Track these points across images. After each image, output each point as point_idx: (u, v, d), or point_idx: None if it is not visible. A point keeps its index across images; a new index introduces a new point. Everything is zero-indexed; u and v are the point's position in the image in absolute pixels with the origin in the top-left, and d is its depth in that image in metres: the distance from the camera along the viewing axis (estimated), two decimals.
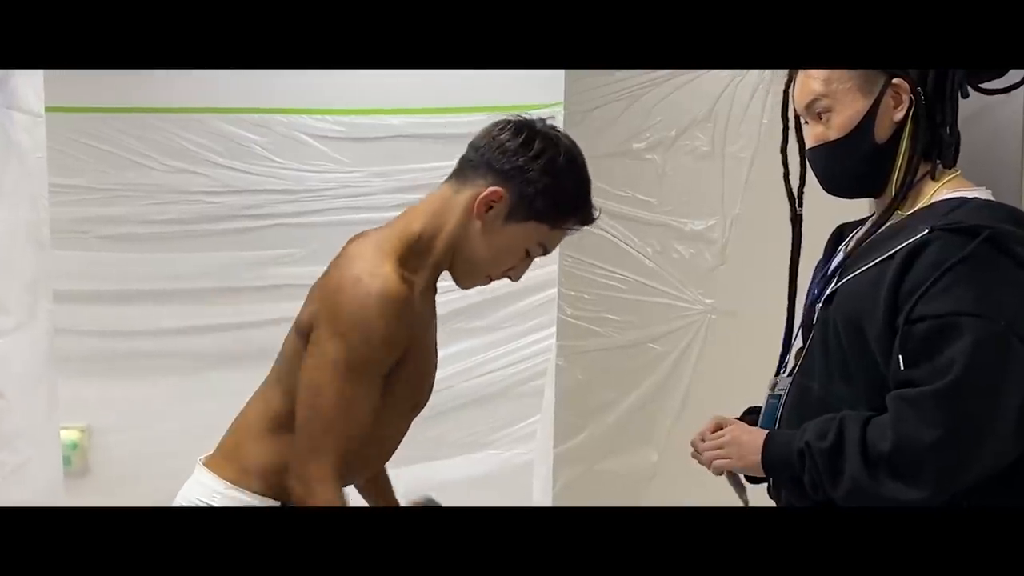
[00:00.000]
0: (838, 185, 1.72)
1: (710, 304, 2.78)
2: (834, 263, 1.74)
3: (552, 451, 3.01)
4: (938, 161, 1.66)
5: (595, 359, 2.93)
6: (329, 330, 1.67)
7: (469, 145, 1.81)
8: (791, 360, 1.78)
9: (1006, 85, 1.71)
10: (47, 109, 2.89)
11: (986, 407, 1.46)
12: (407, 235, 1.76)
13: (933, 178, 1.66)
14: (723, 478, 1.79)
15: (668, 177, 2.81)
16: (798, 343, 1.77)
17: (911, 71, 1.63)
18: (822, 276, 1.75)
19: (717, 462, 1.74)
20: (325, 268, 1.78)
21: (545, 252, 1.84)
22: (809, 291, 1.78)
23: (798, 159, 1.82)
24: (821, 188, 1.76)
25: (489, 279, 1.84)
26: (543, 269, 2.74)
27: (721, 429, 1.77)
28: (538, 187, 1.73)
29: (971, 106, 1.72)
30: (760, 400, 1.81)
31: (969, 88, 1.70)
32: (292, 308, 1.82)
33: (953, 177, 1.66)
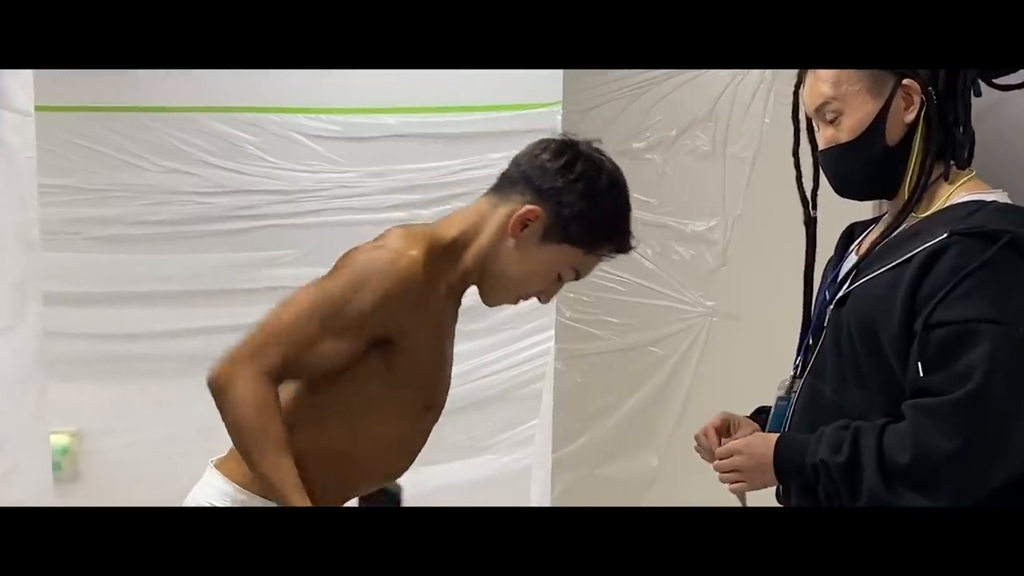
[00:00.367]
0: (850, 188, 1.71)
1: (711, 306, 2.76)
2: (846, 265, 1.72)
3: (551, 455, 2.99)
4: (952, 162, 1.64)
5: (594, 362, 2.91)
6: (333, 271, 1.70)
7: (512, 160, 1.80)
8: (799, 361, 1.76)
9: (1021, 80, 1.69)
10: (37, 108, 2.89)
11: (1006, 416, 1.46)
12: (440, 238, 1.75)
13: (947, 179, 1.64)
14: (726, 485, 1.75)
15: (668, 177, 2.79)
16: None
17: (921, 71, 1.61)
18: (833, 278, 1.73)
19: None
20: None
21: (578, 277, 1.82)
22: (820, 293, 1.77)
23: (810, 161, 1.80)
24: (832, 190, 1.74)
25: (517, 299, 1.82)
26: None
27: (727, 425, 1.76)
28: (575, 210, 1.72)
29: (983, 100, 1.69)
30: (761, 403, 1.79)
31: (981, 84, 1.68)
32: None
33: (969, 179, 1.64)
